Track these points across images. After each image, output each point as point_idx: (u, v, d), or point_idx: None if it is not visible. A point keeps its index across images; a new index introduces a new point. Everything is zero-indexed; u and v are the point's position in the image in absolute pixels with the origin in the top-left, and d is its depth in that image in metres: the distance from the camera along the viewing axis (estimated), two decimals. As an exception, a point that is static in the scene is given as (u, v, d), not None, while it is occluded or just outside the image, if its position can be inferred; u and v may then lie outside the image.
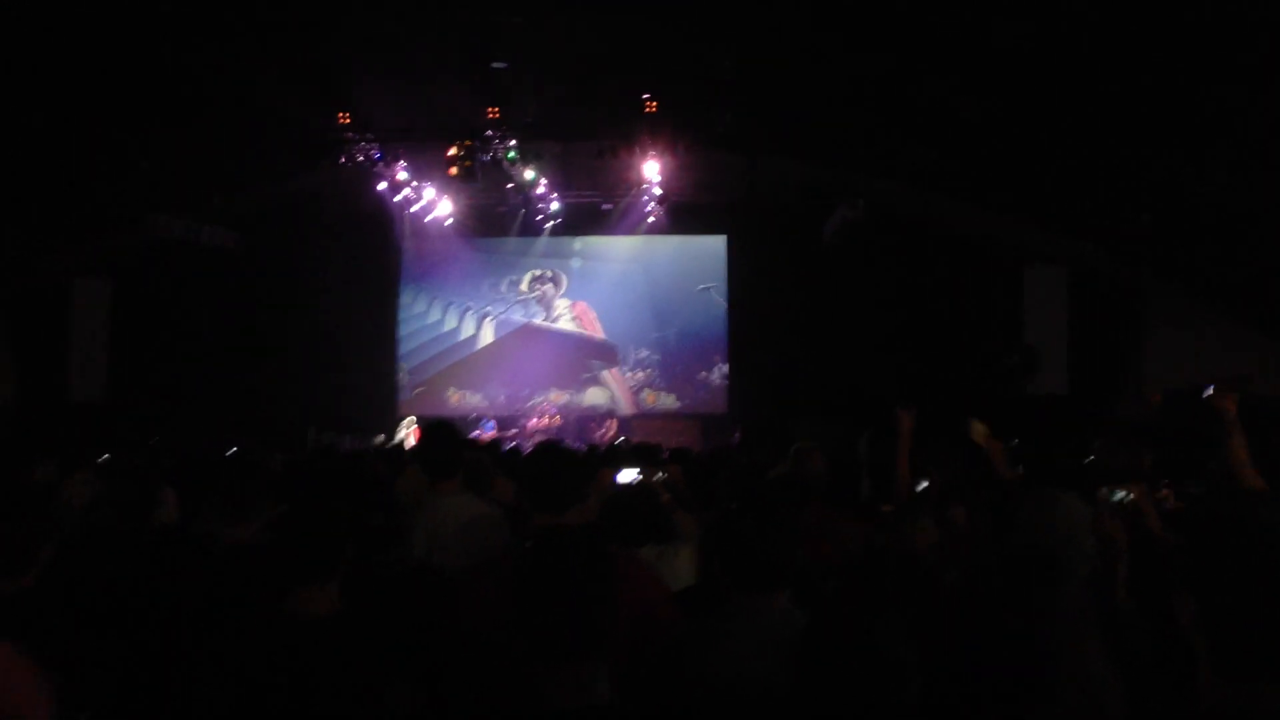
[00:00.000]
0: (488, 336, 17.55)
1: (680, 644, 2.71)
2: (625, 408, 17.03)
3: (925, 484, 5.05)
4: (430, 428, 4.24)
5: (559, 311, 17.54)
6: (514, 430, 15.95)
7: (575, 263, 17.62)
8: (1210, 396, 3.81)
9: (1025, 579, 2.48)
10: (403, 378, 17.43)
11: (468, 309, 17.57)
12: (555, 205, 16.24)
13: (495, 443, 10.66)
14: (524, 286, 17.56)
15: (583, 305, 17.48)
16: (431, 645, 3.06)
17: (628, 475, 3.82)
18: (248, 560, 3.34)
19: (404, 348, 17.54)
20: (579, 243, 17.54)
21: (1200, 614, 2.10)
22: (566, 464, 3.25)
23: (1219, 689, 2.17)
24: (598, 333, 17.41)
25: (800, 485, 4.16)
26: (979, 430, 5.16)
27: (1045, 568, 2.46)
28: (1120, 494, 3.04)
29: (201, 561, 3.27)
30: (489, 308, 17.53)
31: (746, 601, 2.69)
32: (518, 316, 17.55)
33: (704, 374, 17.07)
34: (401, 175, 14.75)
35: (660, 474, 4.18)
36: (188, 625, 3.05)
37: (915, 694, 2.07)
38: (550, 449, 3.35)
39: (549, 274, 17.58)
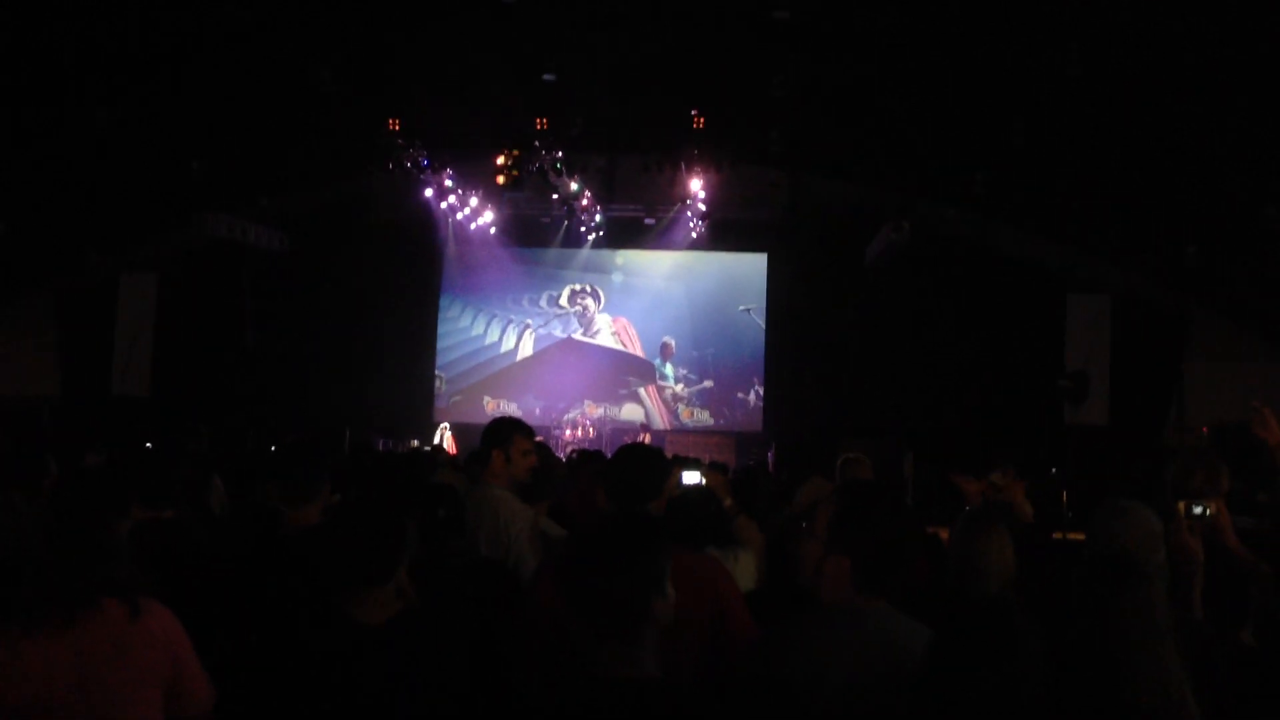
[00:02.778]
0: (527, 349, 17.59)
1: (766, 646, 2.67)
2: (660, 423, 17.01)
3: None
4: (494, 423, 4.35)
5: (599, 326, 17.57)
6: (543, 438, 15.87)
7: (616, 277, 17.65)
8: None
9: (1102, 582, 2.47)
10: (440, 385, 17.50)
11: (509, 322, 17.62)
12: (598, 217, 16.30)
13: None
14: (563, 301, 17.60)
15: (623, 320, 17.49)
16: (499, 640, 3.08)
17: (691, 477, 3.84)
18: (311, 547, 3.36)
19: (443, 358, 17.58)
20: (620, 256, 17.57)
21: None
22: (647, 461, 3.42)
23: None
24: (637, 349, 17.43)
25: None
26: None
27: (1122, 570, 2.45)
28: (1200, 508, 3.03)
29: (276, 540, 3.30)
30: (528, 320, 17.60)
31: (858, 603, 2.62)
32: (557, 331, 17.60)
33: (741, 394, 17.04)
34: (448, 182, 14.86)
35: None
36: (258, 608, 3.08)
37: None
38: (634, 447, 3.50)
39: (588, 288, 17.63)
